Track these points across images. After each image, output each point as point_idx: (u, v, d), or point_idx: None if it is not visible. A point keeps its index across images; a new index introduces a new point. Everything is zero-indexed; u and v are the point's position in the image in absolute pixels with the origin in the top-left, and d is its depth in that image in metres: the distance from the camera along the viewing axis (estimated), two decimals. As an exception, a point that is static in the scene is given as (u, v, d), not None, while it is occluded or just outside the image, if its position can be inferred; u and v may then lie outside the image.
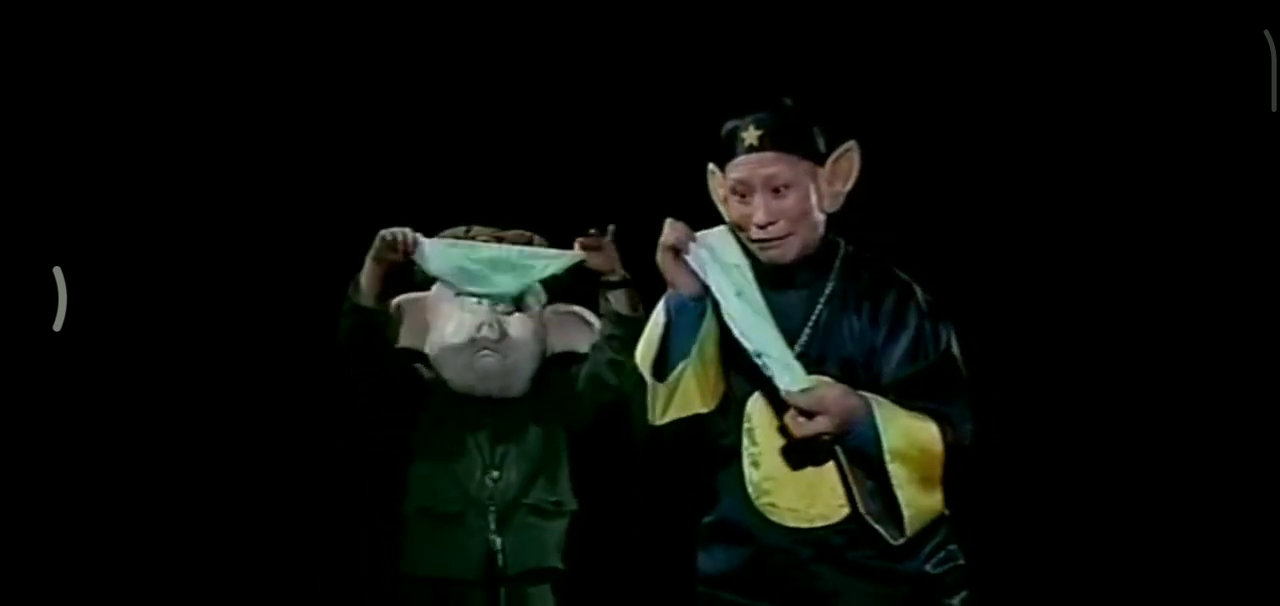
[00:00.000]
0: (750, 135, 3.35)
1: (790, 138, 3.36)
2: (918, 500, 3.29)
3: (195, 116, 5.39)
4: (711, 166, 3.44)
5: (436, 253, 4.20)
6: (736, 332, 3.34)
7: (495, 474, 4.24)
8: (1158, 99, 5.41)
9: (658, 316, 3.42)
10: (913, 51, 5.42)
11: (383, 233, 4.16)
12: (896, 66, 5.39)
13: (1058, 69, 5.41)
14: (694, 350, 3.35)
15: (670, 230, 3.37)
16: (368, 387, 4.30)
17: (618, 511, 5.10)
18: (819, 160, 3.38)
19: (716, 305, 3.37)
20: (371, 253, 4.16)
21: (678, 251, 3.36)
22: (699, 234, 3.39)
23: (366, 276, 4.16)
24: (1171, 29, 5.40)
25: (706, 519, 3.47)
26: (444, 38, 5.46)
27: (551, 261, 4.22)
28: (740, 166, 3.36)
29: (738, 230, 3.40)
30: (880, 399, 3.30)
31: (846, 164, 3.41)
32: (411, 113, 5.44)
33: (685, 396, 3.37)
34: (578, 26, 5.43)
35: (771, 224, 3.35)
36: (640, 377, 3.41)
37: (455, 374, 4.24)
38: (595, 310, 4.27)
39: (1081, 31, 5.41)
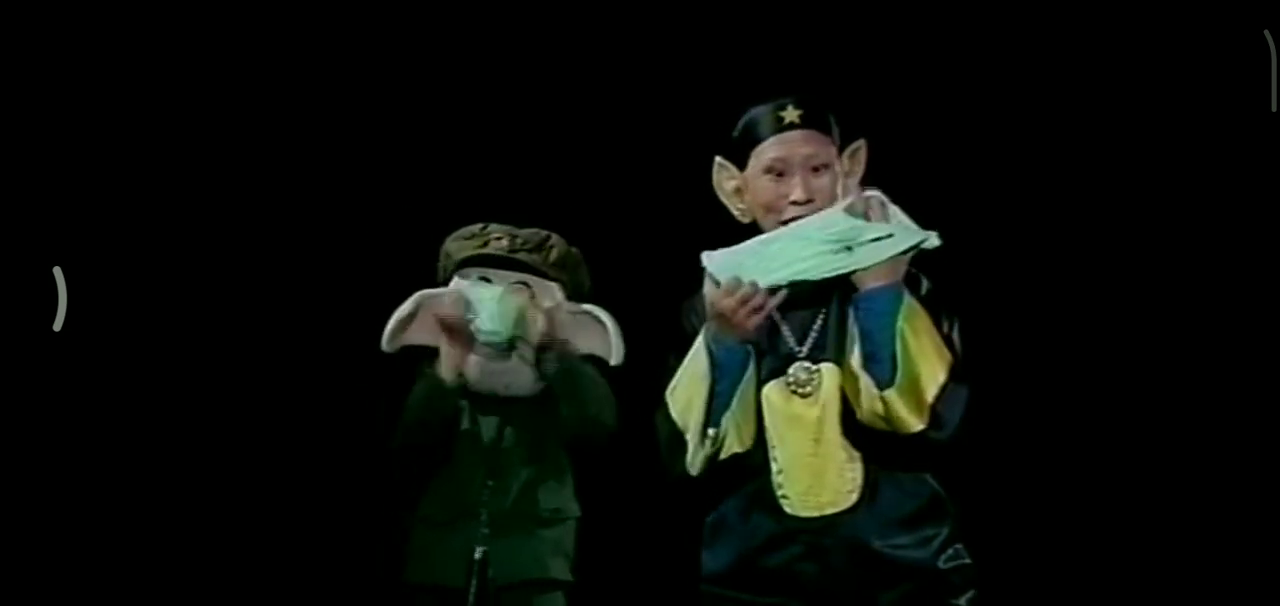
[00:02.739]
0: (790, 114, 3.36)
1: (824, 121, 3.39)
2: (911, 381, 3.23)
3: (194, 117, 5.39)
4: (719, 160, 3.43)
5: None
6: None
7: (491, 483, 4.21)
8: (1158, 99, 5.41)
9: (701, 367, 3.31)
10: (913, 50, 5.42)
11: (446, 318, 4.14)
12: (897, 64, 5.39)
13: (1059, 68, 5.41)
14: (736, 399, 3.30)
15: (741, 300, 3.22)
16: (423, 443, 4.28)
17: (630, 517, 5.08)
18: (840, 149, 3.41)
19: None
20: (448, 338, 4.15)
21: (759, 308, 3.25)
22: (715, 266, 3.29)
23: (455, 361, 4.17)
24: (1171, 29, 5.40)
25: (710, 518, 3.43)
26: (454, 35, 5.46)
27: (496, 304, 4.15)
28: (778, 145, 3.35)
29: (768, 212, 3.38)
30: (915, 303, 3.27)
31: (859, 157, 3.44)
32: (420, 109, 5.43)
33: (725, 445, 3.33)
34: (590, 25, 5.44)
35: (809, 202, 3.33)
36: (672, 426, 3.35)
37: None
38: (609, 308, 4.23)
39: (1082, 31, 5.41)
